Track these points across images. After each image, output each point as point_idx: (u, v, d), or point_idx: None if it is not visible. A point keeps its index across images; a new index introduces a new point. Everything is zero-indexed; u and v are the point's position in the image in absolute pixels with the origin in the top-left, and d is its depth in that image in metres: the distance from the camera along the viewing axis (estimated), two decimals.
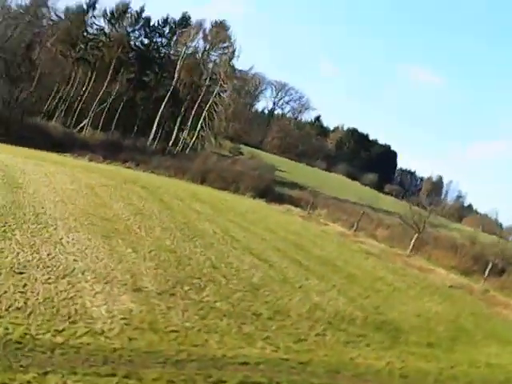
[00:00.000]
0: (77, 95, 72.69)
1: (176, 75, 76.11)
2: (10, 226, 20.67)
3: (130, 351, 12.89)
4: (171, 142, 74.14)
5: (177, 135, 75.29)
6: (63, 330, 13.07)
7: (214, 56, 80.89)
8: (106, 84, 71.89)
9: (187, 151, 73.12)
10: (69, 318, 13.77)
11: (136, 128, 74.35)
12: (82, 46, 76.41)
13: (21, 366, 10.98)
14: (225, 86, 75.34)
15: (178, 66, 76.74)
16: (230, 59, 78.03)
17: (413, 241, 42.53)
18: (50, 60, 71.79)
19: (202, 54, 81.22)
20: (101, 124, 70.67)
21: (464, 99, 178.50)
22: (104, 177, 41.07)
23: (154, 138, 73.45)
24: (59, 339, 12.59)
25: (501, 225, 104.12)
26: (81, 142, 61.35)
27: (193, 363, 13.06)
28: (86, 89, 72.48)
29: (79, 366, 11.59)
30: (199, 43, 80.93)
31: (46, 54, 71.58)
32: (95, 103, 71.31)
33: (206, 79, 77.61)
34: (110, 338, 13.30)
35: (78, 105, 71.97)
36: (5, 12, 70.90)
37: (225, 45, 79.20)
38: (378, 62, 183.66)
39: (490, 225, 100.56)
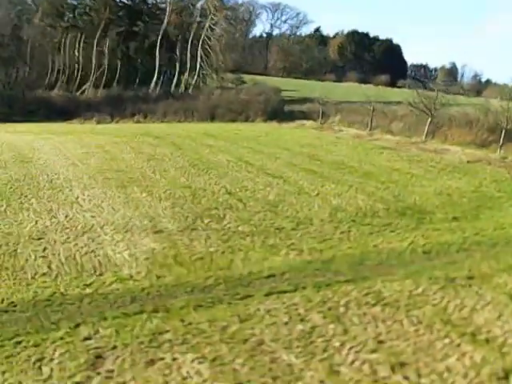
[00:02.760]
0: (74, 62, 71.97)
1: (166, 19, 74.85)
2: (26, 196, 21.10)
3: (158, 287, 13.12)
4: (173, 86, 73.57)
5: (178, 78, 74.50)
6: (92, 282, 13.32)
7: None
8: (95, 42, 71.01)
9: (190, 91, 72.46)
10: (94, 271, 14.00)
11: (138, 80, 73.72)
12: (71, 15, 75.49)
13: (52, 322, 11.16)
14: (215, 18, 73.85)
15: (167, 12, 75.43)
16: None
17: (427, 126, 41.79)
18: (40, 34, 71.08)
19: None
20: (102, 84, 70.18)
21: None
22: (114, 136, 41.09)
23: (155, 85, 72.92)
24: (88, 290, 12.85)
25: None
26: (85, 104, 60.48)
27: (220, 286, 13.25)
28: (79, 53, 71.74)
29: (107, 310, 11.76)
30: None
31: (35, 29, 70.81)
32: (93, 66, 70.73)
33: (196, 16, 76.15)
34: (138, 281, 13.51)
35: (78, 71, 71.42)
36: None
37: None
38: None
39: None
